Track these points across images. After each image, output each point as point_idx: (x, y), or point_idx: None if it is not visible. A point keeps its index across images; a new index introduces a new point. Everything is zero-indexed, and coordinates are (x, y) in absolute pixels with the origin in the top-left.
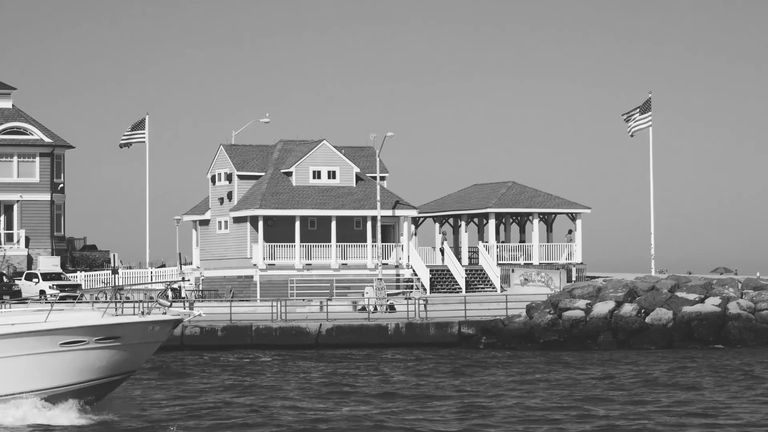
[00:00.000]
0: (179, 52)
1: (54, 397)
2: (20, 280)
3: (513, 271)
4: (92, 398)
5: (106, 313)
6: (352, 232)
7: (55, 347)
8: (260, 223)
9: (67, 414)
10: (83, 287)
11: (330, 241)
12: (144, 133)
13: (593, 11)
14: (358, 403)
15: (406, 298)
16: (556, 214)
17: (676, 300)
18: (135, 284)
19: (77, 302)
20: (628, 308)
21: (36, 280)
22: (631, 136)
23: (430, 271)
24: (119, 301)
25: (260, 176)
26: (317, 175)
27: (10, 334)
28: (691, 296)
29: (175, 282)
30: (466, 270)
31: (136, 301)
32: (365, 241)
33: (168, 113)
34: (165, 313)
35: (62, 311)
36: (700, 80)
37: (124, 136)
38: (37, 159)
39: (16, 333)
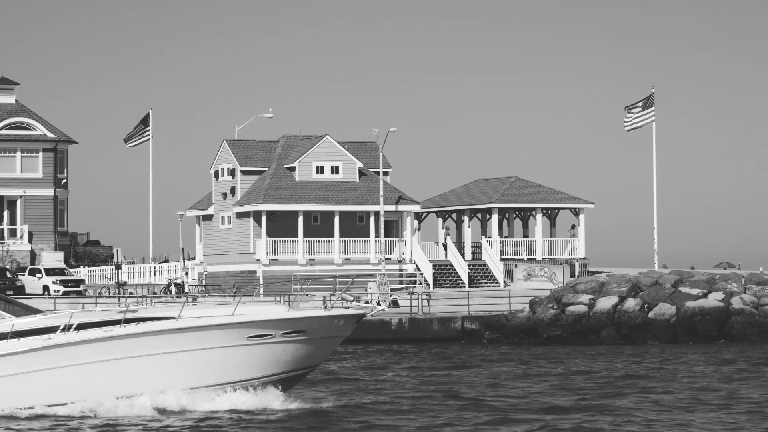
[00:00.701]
0: (182, 47)
1: (240, 391)
2: (23, 275)
3: (516, 266)
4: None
5: (291, 306)
6: (355, 227)
7: (242, 341)
8: (263, 219)
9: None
10: (86, 282)
11: (333, 237)
12: (148, 130)
13: (596, 6)
14: None
15: (409, 293)
16: (559, 209)
17: (679, 295)
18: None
19: (80, 297)
20: (631, 303)
21: (39, 275)
22: (628, 131)
23: (433, 266)
24: (123, 296)
25: (263, 171)
26: (320, 170)
27: (197, 327)
28: (695, 291)
29: (177, 278)
30: (469, 265)
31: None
32: (368, 237)
33: (171, 108)
34: (348, 308)
35: (247, 305)
36: (703, 75)
37: (132, 136)
38: (41, 154)
39: (203, 326)
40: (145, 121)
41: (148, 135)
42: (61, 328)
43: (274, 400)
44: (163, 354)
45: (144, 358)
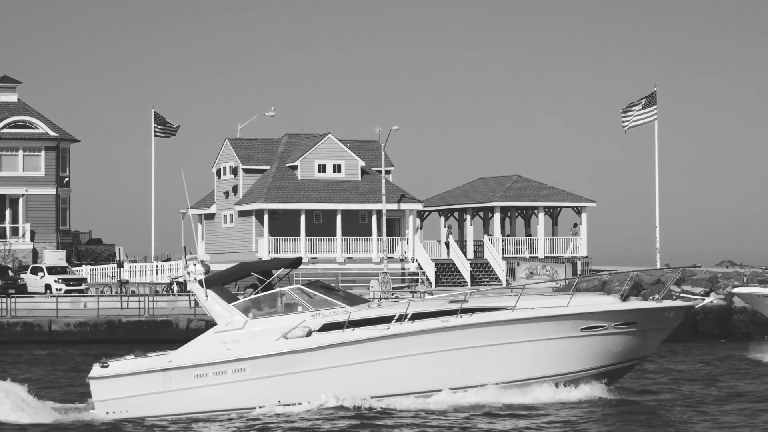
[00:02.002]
0: (184, 45)
1: (571, 383)
2: (26, 273)
3: (518, 264)
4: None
5: (620, 298)
6: (357, 225)
7: (576, 332)
8: (265, 217)
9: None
10: (88, 281)
11: (335, 235)
12: (159, 127)
13: (599, 4)
14: None
15: (411, 292)
16: (561, 207)
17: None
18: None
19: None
20: None
21: (41, 273)
22: (626, 130)
23: (436, 264)
24: (125, 295)
25: (265, 170)
26: (322, 168)
27: (533, 318)
28: (697, 289)
29: (179, 276)
30: (471, 264)
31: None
32: (370, 235)
33: (173, 107)
34: (675, 299)
35: (579, 296)
36: (706, 73)
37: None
38: (43, 153)
39: (539, 318)
40: (156, 119)
41: (172, 130)
42: (396, 317)
43: (599, 393)
44: (497, 345)
45: (479, 349)
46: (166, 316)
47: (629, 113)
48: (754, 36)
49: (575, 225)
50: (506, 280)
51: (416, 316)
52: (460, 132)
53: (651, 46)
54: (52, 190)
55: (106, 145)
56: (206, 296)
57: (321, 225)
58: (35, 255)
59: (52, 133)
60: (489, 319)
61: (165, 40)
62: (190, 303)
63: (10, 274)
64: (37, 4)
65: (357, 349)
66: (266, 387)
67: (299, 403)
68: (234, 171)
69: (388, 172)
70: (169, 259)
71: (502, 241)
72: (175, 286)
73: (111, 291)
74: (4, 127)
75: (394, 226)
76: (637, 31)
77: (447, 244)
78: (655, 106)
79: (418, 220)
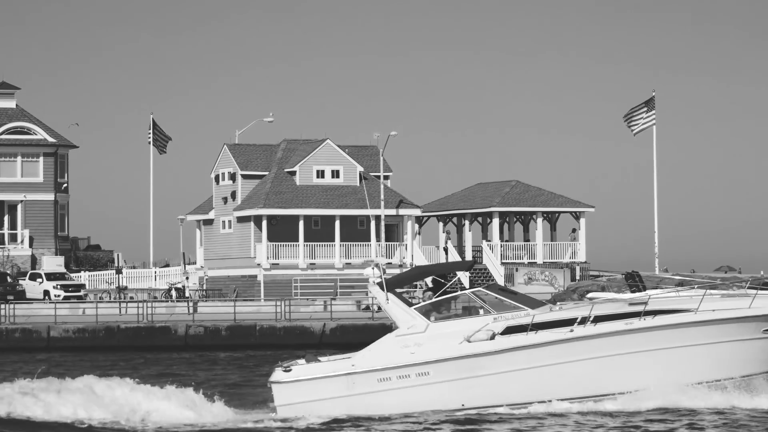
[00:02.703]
0: (183, 51)
1: (748, 385)
2: (24, 280)
3: (517, 269)
4: None
5: None
6: (355, 231)
7: (757, 334)
8: (264, 223)
9: None
10: (87, 287)
11: (334, 241)
12: (156, 132)
13: (597, 10)
14: None
15: (410, 298)
16: (559, 212)
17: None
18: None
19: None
20: None
21: (40, 280)
22: (634, 134)
23: None
24: (123, 301)
25: (264, 175)
26: (321, 174)
27: (716, 320)
28: None
29: (178, 282)
30: None
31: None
32: (369, 241)
33: (172, 113)
34: None
35: (761, 297)
36: (704, 78)
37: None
38: (41, 159)
39: (722, 320)
40: (154, 127)
41: (164, 141)
42: (578, 320)
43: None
44: (680, 347)
45: (662, 352)
46: (165, 322)
47: (633, 117)
48: (755, 41)
49: (574, 230)
50: (505, 285)
51: (598, 319)
52: (459, 137)
53: (650, 51)
54: (50, 196)
55: (104, 150)
56: (387, 299)
57: (319, 230)
58: (34, 261)
59: (51, 139)
60: (673, 322)
61: (163, 45)
62: (188, 309)
63: (9, 280)
64: (35, 10)
65: (542, 352)
66: (450, 390)
67: (483, 407)
68: (232, 177)
69: (386, 177)
70: (167, 265)
71: (501, 246)
72: (173, 292)
73: (109, 297)
74: (2, 133)
75: (393, 231)
76: (635, 36)
77: (446, 250)
78: (654, 112)
79: (416, 226)
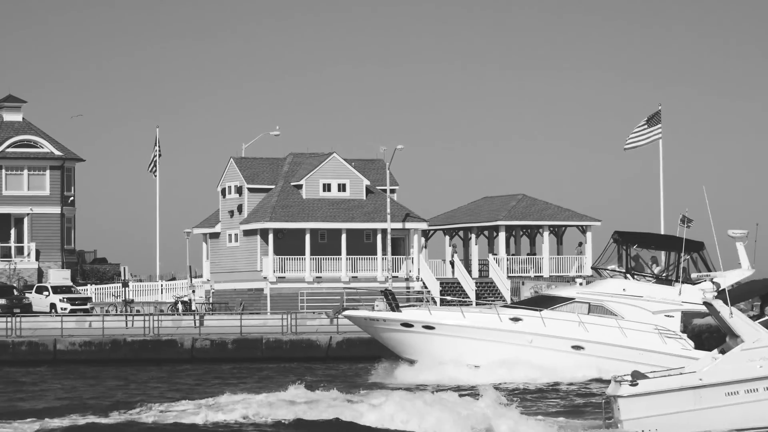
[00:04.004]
0: (189, 64)
1: None
2: (30, 293)
3: (523, 283)
4: None
5: None
6: (362, 244)
7: None
8: (270, 236)
9: None
10: (93, 300)
11: (340, 254)
12: (158, 148)
13: (602, 24)
14: None
15: None
16: (566, 226)
17: (687, 312)
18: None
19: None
20: None
21: (46, 293)
22: (626, 150)
23: (440, 283)
24: (129, 314)
25: (270, 189)
26: (327, 187)
27: None
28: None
29: (185, 296)
30: (476, 282)
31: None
32: (375, 254)
33: (178, 126)
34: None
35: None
36: (711, 92)
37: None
38: (48, 172)
39: None
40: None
41: (156, 153)
42: None
43: None
44: None
45: None
46: (171, 335)
47: (633, 134)
48: (761, 53)
49: (580, 244)
50: (511, 299)
51: None
52: (465, 151)
53: (656, 65)
54: (57, 210)
55: (111, 164)
56: (731, 314)
57: (326, 244)
58: (40, 274)
59: (57, 153)
60: None
61: (170, 59)
62: (194, 322)
63: (15, 293)
64: (41, 23)
65: None
66: None
67: None
68: (239, 190)
69: (393, 191)
70: (174, 279)
71: (507, 260)
72: (180, 306)
73: (116, 310)
74: (9, 147)
75: (399, 245)
76: (641, 50)
77: (452, 263)
78: (660, 125)
79: (423, 239)
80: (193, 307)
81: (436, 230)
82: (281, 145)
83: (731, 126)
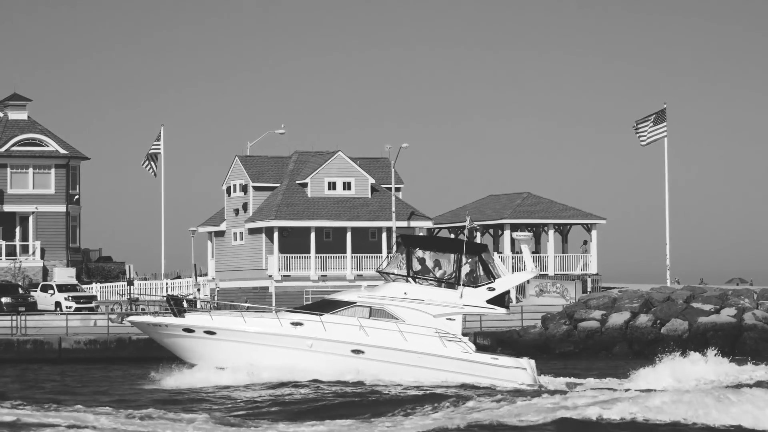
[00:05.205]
0: (194, 63)
1: None
2: (36, 291)
3: (528, 281)
4: None
5: None
6: (367, 243)
7: None
8: (275, 235)
9: None
10: (98, 299)
11: (345, 252)
12: (160, 144)
13: (607, 21)
14: None
15: None
16: (571, 224)
17: (692, 311)
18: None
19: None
20: (643, 319)
21: (51, 291)
22: (643, 145)
23: None
24: (134, 313)
25: (275, 187)
26: (332, 186)
27: None
28: (707, 307)
29: (189, 294)
30: None
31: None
32: (381, 252)
33: (183, 124)
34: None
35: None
36: (716, 90)
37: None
38: (53, 170)
39: None
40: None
41: (158, 148)
42: None
43: None
44: None
45: None
46: None
47: (639, 129)
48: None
49: (585, 242)
50: (516, 297)
51: None
52: (470, 149)
53: (661, 63)
54: (62, 208)
55: (116, 162)
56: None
57: (331, 242)
58: (45, 273)
59: (62, 151)
60: None
61: (176, 57)
62: None
63: (20, 291)
64: (46, 22)
65: None
66: None
67: None
68: (244, 188)
69: (398, 189)
70: (179, 277)
71: (512, 258)
72: (185, 304)
73: (121, 308)
74: (14, 145)
75: None
76: (647, 48)
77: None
78: (665, 123)
79: None
80: (198, 306)
81: (441, 228)
82: (286, 144)
83: (739, 124)
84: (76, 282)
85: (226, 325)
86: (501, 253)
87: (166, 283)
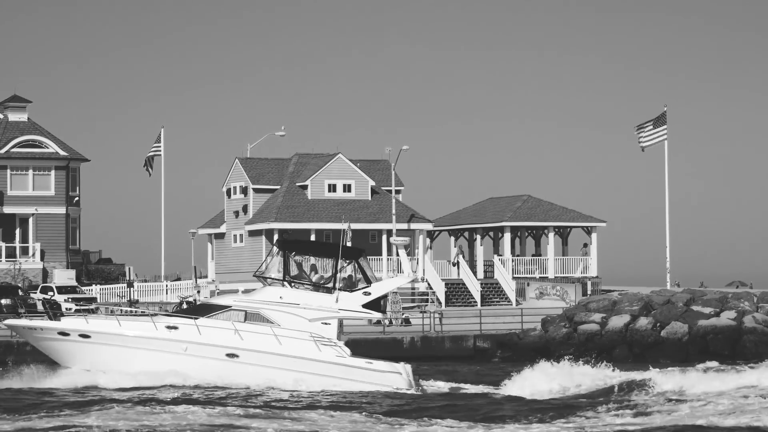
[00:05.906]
0: (194, 65)
1: None
2: (35, 293)
3: (528, 284)
4: None
5: None
6: (367, 245)
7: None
8: (275, 237)
9: None
10: (98, 301)
11: None
12: (160, 146)
13: (608, 24)
14: None
15: (421, 312)
16: (571, 227)
17: (692, 314)
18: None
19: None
20: (643, 322)
21: (51, 293)
22: (642, 150)
23: (446, 284)
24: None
25: (275, 189)
26: (332, 188)
27: None
28: (707, 310)
29: (189, 296)
30: (481, 283)
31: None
32: (381, 255)
33: (183, 126)
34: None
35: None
36: (716, 93)
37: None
38: (53, 172)
39: None
40: (157, 140)
41: (158, 150)
42: None
43: None
44: None
45: None
46: None
47: (642, 133)
48: None
49: (585, 245)
50: (516, 300)
51: None
52: (471, 151)
53: (662, 66)
54: (62, 210)
55: (116, 164)
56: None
57: None
58: (45, 274)
59: (63, 153)
60: None
61: (176, 59)
62: None
63: (20, 293)
64: (47, 23)
65: None
66: None
67: None
68: (244, 191)
69: (398, 191)
70: (179, 279)
71: (512, 260)
72: (185, 306)
73: (121, 311)
74: (14, 147)
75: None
76: (648, 50)
77: (457, 264)
78: (665, 126)
79: (428, 240)
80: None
81: (441, 231)
82: (286, 146)
83: (740, 127)
84: (75, 284)
85: (101, 329)
86: (501, 255)
87: (166, 285)
